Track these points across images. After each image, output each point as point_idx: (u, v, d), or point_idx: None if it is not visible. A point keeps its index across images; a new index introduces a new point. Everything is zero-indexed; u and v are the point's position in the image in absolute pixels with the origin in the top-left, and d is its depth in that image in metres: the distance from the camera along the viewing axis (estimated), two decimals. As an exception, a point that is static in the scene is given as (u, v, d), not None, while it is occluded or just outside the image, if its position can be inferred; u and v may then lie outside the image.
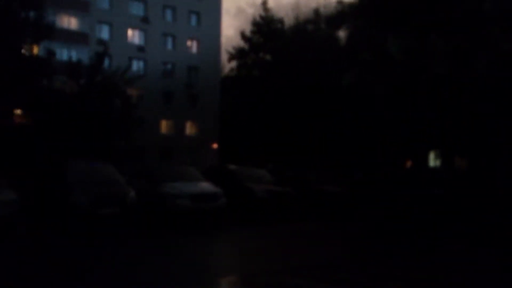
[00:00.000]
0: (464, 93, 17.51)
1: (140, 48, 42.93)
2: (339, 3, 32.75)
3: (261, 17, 40.57)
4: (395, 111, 22.09)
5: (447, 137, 20.34)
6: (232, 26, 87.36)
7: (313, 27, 38.40)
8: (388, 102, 20.79)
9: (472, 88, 17.17)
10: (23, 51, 22.77)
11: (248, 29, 43.14)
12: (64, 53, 34.11)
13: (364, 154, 27.27)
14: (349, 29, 27.91)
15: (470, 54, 15.71)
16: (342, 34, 35.47)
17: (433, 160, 27.17)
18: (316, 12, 38.38)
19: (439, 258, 9.30)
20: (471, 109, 18.10)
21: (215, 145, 45.49)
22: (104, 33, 41.49)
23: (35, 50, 23.93)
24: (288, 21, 42.04)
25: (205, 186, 14.39)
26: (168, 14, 45.06)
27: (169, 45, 45.19)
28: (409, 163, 26.37)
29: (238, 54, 42.99)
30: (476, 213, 12.04)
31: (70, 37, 36.48)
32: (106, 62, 26.47)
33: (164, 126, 44.81)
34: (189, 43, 46.24)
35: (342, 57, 28.45)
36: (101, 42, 36.38)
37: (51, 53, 23.95)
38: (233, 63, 45.31)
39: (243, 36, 41.99)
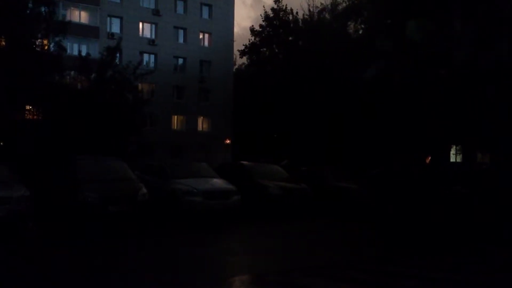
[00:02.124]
0: (486, 81, 16.83)
1: (151, 42, 42.66)
2: None
3: (273, 9, 39.97)
4: (415, 103, 21.51)
5: (469, 131, 19.74)
6: (249, 18, 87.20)
7: (327, 20, 37.76)
8: (409, 94, 20.22)
9: (494, 76, 16.46)
10: (35, 46, 22.69)
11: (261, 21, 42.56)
12: (74, 48, 34.01)
13: (382, 150, 26.73)
14: (367, 17, 27.26)
15: (492, 39, 15.02)
16: (356, 27, 34.83)
17: (453, 156, 26.58)
18: (331, 4, 37.72)
19: (458, 258, 8.90)
20: (494, 99, 17.44)
21: (227, 141, 45.16)
22: (115, 26, 41.30)
23: (46, 45, 23.76)
24: (301, 13, 41.51)
25: (218, 183, 14.12)
26: (180, 7, 44.69)
27: (181, 39, 44.84)
28: (428, 159, 25.78)
29: (250, 48, 42.43)
30: (503, 214, 11.48)
31: (80, 31, 36.33)
32: (117, 56, 26.18)
33: (176, 121, 44.61)
34: (201, 36, 45.87)
35: (357, 49, 27.86)
36: (113, 36, 36.19)
37: (62, 48, 23.79)
38: (245, 57, 44.72)
39: (253, 30, 41.44)
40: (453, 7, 15.52)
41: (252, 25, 42.70)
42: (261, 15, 41.18)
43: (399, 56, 16.24)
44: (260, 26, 41.02)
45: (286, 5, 40.41)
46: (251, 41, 42.17)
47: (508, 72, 16.17)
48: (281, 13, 39.84)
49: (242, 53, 43.10)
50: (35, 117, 23.70)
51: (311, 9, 39.08)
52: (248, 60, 44.45)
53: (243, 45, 42.72)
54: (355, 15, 32.77)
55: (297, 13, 40.04)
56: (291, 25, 39.63)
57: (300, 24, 39.12)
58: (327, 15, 38.08)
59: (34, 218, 11.12)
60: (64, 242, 9.88)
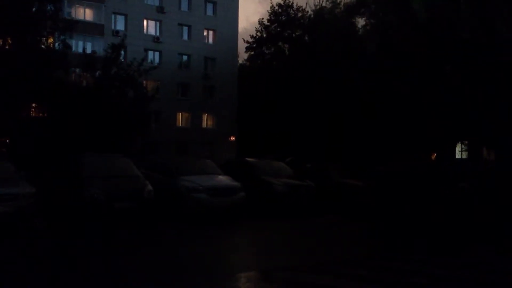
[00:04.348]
0: (491, 71, 16.60)
1: (156, 39, 42.66)
2: None
3: (280, 5, 39.80)
4: (416, 101, 21.39)
5: (470, 130, 19.62)
6: (258, 12, 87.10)
7: (332, 15, 37.57)
8: (409, 89, 20.08)
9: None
10: (40, 44, 22.74)
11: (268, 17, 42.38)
12: (79, 45, 34.00)
13: (383, 148, 26.66)
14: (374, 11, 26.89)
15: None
16: (361, 22, 34.61)
17: (459, 153, 26.45)
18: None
19: (467, 256, 8.85)
20: (494, 99, 17.31)
21: (232, 138, 45.13)
22: (120, 24, 41.32)
23: (52, 43, 23.81)
24: (307, 8, 41.29)
25: (223, 179, 14.12)
26: (184, 4, 44.62)
27: (185, 36, 44.81)
28: (434, 156, 25.67)
29: (255, 44, 42.28)
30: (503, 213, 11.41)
31: (85, 28, 36.32)
32: (122, 54, 26.18)
33: (180, 118, 44.61)
34: (205, 33, 45.80)
35: (363, 46, 27.74)
36: (117, 33, 36.20)
37: (67, 46, 23.83)
38: (251, 53, 44.52)
39: (262, 23, 41.24)
40: None
41: (262, 18, 42.41)
42: (268, 10, 41.12)
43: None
44: (268, 20, 40.90)
45: (293, 1, 40.29)
46: (257, 36, 41.96)
47: (508, 69, 16.01)
48: (288, 9, 39.69)
49: (248, 48, 42.91)
50: (40, 114, 23.77)
51: (317, 5, 38.89)
52: (253, 55, 44.25)
53: (247, 41, 42.54)
54: (363, 8, 32.47)
55: (303, 9, 39.89)
56: (297, 22, 39.46)
57: (305, 20, 38.96)
58: (332, 11, 37.87)
59: (40, 215, 11.14)
60: (69, 239, 9.90)
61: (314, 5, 39.94)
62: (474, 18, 14.61)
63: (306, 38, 37.51)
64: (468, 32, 14.59)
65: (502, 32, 14.23)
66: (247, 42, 42.38)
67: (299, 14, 39.53)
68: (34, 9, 21.91)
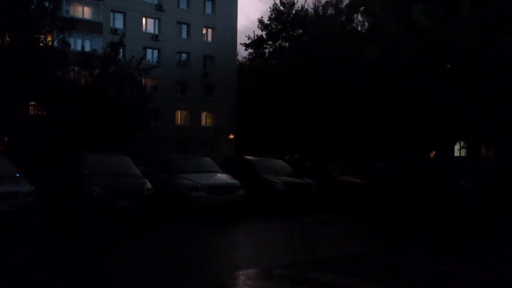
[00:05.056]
0: (492, 72, 16.62)
1: (154, 37, 42.58)
2: None
3: (282, 3, 39.75)
4: (416, 101, 21.41)
5: (470, 129, 19.63)
6: (259, 10, 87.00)
7: (332, 14, 37.57)
8: (412, 84, 20.09)
9: (500, 67, 16.25)
10: (39, 42, 22.70)
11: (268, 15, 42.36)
12: (78, 43, 33.92)
13: (386, 145, 26.69)
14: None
15: (499, 27, 14.77)
16: (362, 21, 34.64)
17: (457, 151, 26.44)
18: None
19: (468, 254, 8.86)
20: (499, 91, 17.29)
21: (231, 136, 45.13)
22: (118, 22, 41.25)
23: (50, 41, 23.75)
24: (308, 6, 41.26)
25: (222, 178, 14.13)
26: (183, 2, 44.56)
27: (184, 34, 44.75)
28: (432, 154, 25.70)
29: (255, 42, 42.24)
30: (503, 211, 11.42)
31: (84, 26, 36.23)
32: (120, 52, 26.12)
33: (179, 116, 44.58)
34: (204, 31, 45.73)
35: (362, 44, 27.74)
36: (116, 31, 36.11)
37: (66, 44, 23.79)
38: (250, 51, 44.51)
39: (262, 22, 41.21)
40: None
41: (262, 17, 42.37)
42: (270, 7, 41.09)
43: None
44: (269, 18, 40.87)
45: (294, 0, 40.29)
46: (257, 34, 41.97)
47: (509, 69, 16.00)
48: (291, 8, 39.69)
49: (247, 46, 42.82)
50: (39, 113, 23.72)
51: (317, 3, 38.90)
52: (253, 54, 44.21)
53: (247, 40, 42.51)
54: (362, 6, 32.46)
55: (303, 8, 39.88)
56: (299, 20, 39.44)
57: (304, 19, 38.95)
58: (332, 9, 37.87)
59: (41, 214, 11.12)
60: (70, 238, 9.90)
61: (314, 5, 39.92)
62: (476, 27, 14.56)
63: (306, 38, 37.48)
64: (470, 42, 14.53)
65: (509, 44, 14.19)
66: (247, 40, 42.39)
67: (300, 13, 39.51)
68: (32, 7, 21.84)
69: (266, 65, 41.32)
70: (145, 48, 41.39)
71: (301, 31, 39.21)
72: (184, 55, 44.68)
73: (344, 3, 36.46)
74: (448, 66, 19.47)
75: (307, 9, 39.90)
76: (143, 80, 29.49)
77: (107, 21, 39.95)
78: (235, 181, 13.78)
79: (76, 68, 25.84)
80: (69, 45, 24.61)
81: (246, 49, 43.80)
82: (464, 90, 18.18)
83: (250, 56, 44.53)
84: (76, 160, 13.07)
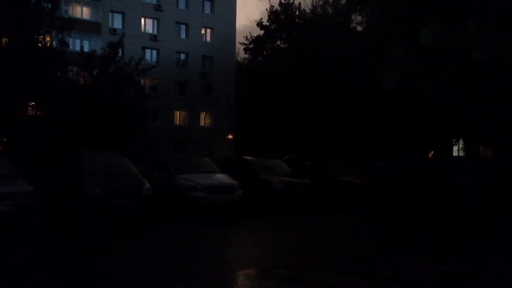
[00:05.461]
0: (492, 71, 16.57)
1: (153, 37, 42.57)
2: None
3: (281, 4, 39.73)
4: (416, 102, 21.38)
5: (470, 129, 19.61)
6: (258, 10, 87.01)
7: (330, 13, 37.59)
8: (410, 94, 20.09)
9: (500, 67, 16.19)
10: (37, 42, 22.68)
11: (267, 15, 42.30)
12: (76, 43, 33.91)
13: (385, 144, 26.70)
14: (372, 13, 26.91)
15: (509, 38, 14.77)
16: (361, 20, 34.62)
17: (456, 150, 26.49)
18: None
19: (468, 253, 8.86)
20: (499, 91, 17.25)
21: (230, 136, 45.13)
22: (117, 22, 41.20)
23: (49, 41, 23.73)
24: (306, 7, 41.27)
25: (221, 178, 14.12)
26: (182, 2, 44.51)
27: (183, 34, 44.73)
28: (431, 154, 25.72)
29: (254, 42, 42.22)
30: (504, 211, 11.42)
31: (82, 27, 36.18)
32: (119, 52, 26.11)
33: (178, 117, 44.55)
34: (203, 31, 45.71)
35: (360, 44, 27.77)
36: (115, 32, 36.09)
37: (64, 44, 23.79)
38: (249, 52, 44.43)
39: (260, 24, 41.18)
40: (467, 7, 15.21)
41: (261, 18, 42.34)
42: (266, 9, 41.10)
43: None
44: (267, 19, 40.84)
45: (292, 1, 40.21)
46: (253, 36, 41.91)
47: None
48: (288, 7, 39.66)
49: (246, 47, 42.78)
50: (37, 113, 23.70)
51: (314, 3, 38.91)
52: (251, 56, 44.19)
53: (245, 39, 42.43)
54: (360, 5, 32.46)
55: (300, 7, 39.85)
56: (296, 20, 39.42)
57: (301, 20, 38.95)
58: (329, 9, 37.90)
59: (40, 214, 11.11)
60: (69, 238, 9.88)
61: (312, 5, 39.90)
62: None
63: (305, 37, 37.48)
64: (482, 52, 14.55)
65: None
66: (246, 40, 42.35)
67: (297, 13, 39.49)
68: (31, 7, 21.82)
69: (265, 65, 41.30)
70: (143, 48, 41.36)
71: (298, 31, 39.18)
72: (183, 55, 44.66)
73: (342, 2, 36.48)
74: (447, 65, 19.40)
75: (304, 9, 39.90)
76: (142, 80, 29.47)
77: (106, 21, 39.90)
78: (234, 181, 13.78)
79: (75, 68, 25.85)
80: (67, 45, 24.60)
81: (245, 53, 43.80)
82: (464, 90, 18.15)
83: (249, 56, 44.47)
84: (75, 160, 13.03)
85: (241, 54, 49.03)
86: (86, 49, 28.56)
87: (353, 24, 35.69)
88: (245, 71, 46.68)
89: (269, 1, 40.99)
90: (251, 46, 42.14)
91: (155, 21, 43.15)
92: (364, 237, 10.80)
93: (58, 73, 23.59)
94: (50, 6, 22.67)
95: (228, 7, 46.46)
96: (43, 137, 20.97)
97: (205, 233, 10.80)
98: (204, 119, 45.85)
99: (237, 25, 47.62)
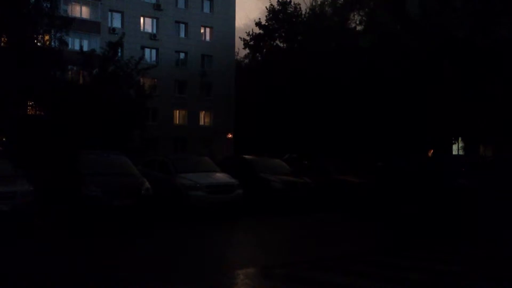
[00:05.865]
0: (486, 63, 16.55)
1: (153, 36, 42.55)
2: None
3: (279, 3, 39.71)
4: (415, 98, 21.39)
5: (472, 123, 19.61)
6: (258, 9, 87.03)
7: (328, 13, 37.58)
8: (406, 80, 20.09)
9: (494, 58, 16.17)
10: (36, 42, 22.66)
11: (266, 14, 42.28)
12: (76, 43, 33.87)
13: (384, 143, 26.70)
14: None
15: (491, 18, 14.79)
16: (359, 19, 34.63)
17: (455, 150, 26.48)
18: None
19: (467, 252, 8.88)
20: (495, 86, 17.27)
21: (230, 135, 45.13)
22: (116, 21, 41.21)
23: (48, 40, 23.71)
24: (305, 6, 41.36)
25: (221, 177, 14.12)
26: (181, 1, 44.55)
27: (182, 33, 44.74)
28: (430, 152, 25.71)
29: (253, 41, 42.19)
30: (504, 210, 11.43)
31: (82, 26, 36.15)
32: (119, 52, 26.10)
33: (178, 116, 44.56)
34: (202, 30, 45.71)
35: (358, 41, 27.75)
36: (114, 31, 36.06)
37: (63, 43, 23.78)
38: (248, 51, 44.46)
39: (259, 24, 41.17)
40: None
41: (259, 18, 42.31)
42: (266, 7, 41.10)
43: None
44: (266, 19, 40.81)
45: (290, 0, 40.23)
46: (254, 33, 41.88)
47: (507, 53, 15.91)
48: (287, 6, 39.68)
49: (246, 45, 42.75)
50: (37, 112, 23.68)
51: (313, 3, 38.90)
52: (251, 54, 44.17)
53: (244, 39, 42.42)
54: (358, 4, 32.48)
55: (299, 6, 39.87)
56: (294, 19, 39.43)
57: (300, 19, 38.95)
58: (327, 8, 37.89)
59: (39, 213, 11.12)
60: (69, 238, 9.88)
61: (311, 4, 39.88)
62: (470, 18, 14.60)
63: (303, 37, 37.48)
64: (463, 31, 14.59)
65: (500, 32, 14.25)
66: (245, 40, 42.35)
67: (295, 13, 39.48)
68: (30, 6, 21.80)
69: (264, 64, 41.30)
70: (143, 48, 41.37)
71: (296, 30, 39.18)
72: (182, 55, 44.65)
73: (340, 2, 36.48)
74: (446, 63, 19.51)
75: (297, 5, 39.94)
76: (141, 80, 29.46)
77: (105, 21, 39.91)
78: (233, 180, 13.78)
79: (74, 67, 25.81)
80: (67, 44, 24.59)
81: (244, 48, 43.72)
82: (462, 88, 18.19)
83: (249, 53, 44.44)
84: (74, 160, 13.04)
85: (240, 53, 49.11)
86: (85, 48, 28.50)
87: (352, 24, 35.69)
88: (245, 70, 46.68)
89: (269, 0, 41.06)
90: (251, 43, 42.13)
91: (155, 20, 43.13)
92: (363, 236, 10.79)
93: (57, 73, 23.55)
94: (49, 5, 22.65)
95: (227, 6, 46.45)
96: (42, 136, 20.95)
97: (204, 232, 10.79)
98: (203, 118, 45.86)
99: (236, 24, 47.74)
